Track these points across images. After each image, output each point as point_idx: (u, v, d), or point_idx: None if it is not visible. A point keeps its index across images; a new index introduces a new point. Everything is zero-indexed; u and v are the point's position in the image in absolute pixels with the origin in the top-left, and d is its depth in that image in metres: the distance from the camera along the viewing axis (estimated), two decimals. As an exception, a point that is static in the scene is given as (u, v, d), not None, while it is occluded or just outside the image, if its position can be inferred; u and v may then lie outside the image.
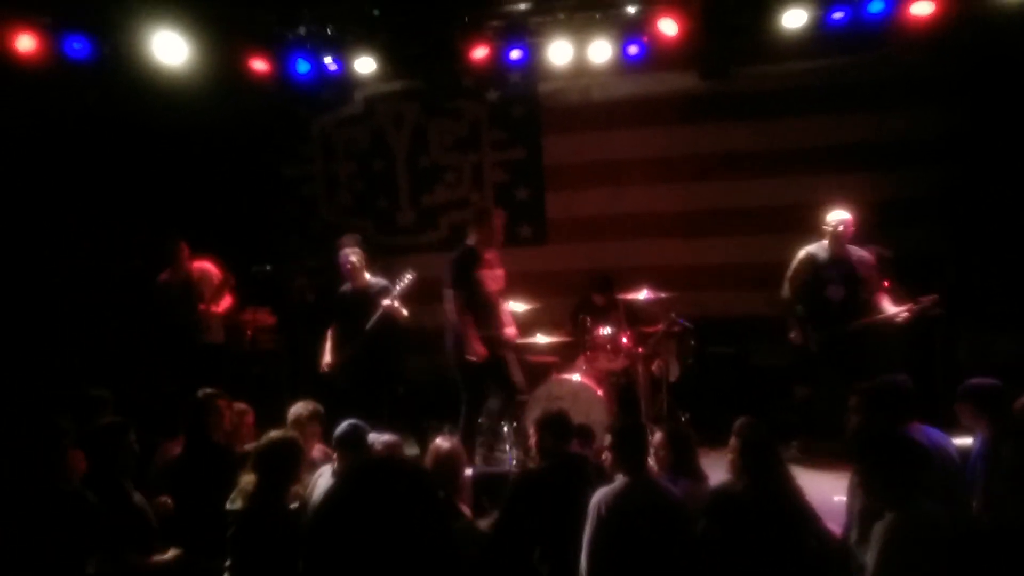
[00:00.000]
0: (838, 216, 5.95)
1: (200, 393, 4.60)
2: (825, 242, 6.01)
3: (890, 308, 5.77)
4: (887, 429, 3.87)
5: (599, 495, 3.67)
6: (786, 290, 6.19)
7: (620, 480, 3.76)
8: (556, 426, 4.28)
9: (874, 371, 5.31)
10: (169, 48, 6.08)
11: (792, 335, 6.19)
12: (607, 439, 3.99)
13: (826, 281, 5.94)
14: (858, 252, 5.98)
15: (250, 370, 6.95)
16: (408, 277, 6.16)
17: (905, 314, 5.70)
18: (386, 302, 5.99)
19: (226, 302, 6.56)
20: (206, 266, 6.57)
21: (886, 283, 6.04)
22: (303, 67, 6.77)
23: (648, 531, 3.53)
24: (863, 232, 6.15)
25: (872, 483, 3.31)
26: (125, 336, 7.00)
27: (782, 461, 3.78)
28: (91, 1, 6.11)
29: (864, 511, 3.52)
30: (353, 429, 4.17)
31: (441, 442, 4.19)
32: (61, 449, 3.74)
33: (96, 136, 7.11)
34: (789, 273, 6.16)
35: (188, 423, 4.55)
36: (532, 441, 4.39)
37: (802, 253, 6.08)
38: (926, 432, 4.09)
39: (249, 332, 7.05)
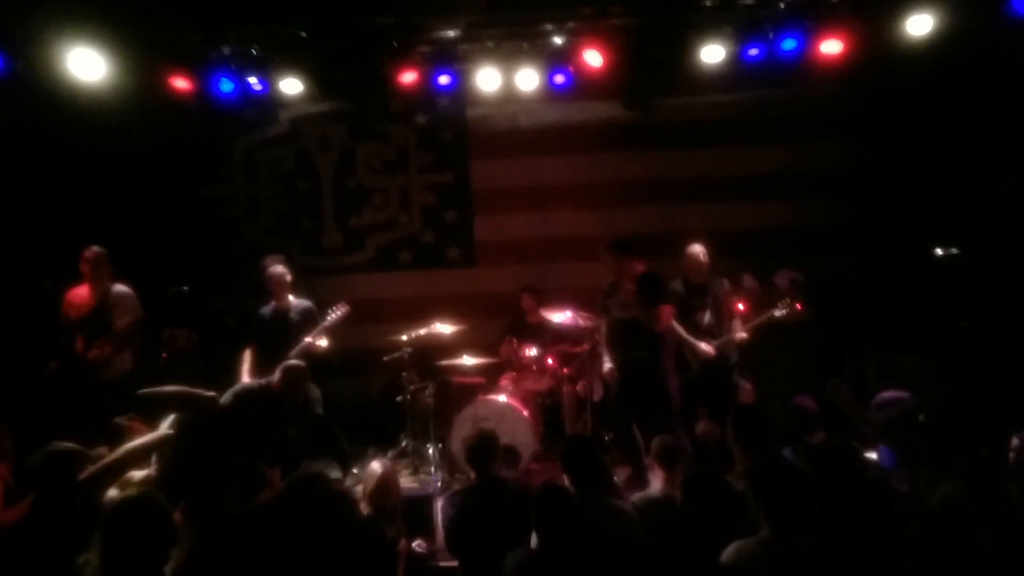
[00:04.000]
0: (694, 249, 6.16)
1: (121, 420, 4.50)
2: (681, 277, 6.22)
3: (737, 330, 6.14)
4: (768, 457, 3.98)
5: None
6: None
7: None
8: (480, 449, 4.31)
9: (785, 390, 5.53)
10: (86, 64, 5.91)
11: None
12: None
13: (694, 308, 6.15)
14: (716, 280, 6.23)
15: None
16: (340, 311, 6.13)
17: (743, 335, 6.10)
18: (308, 339, 5.95)
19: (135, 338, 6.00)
20: (128, 295, 6.04)
21: (739, 307, 6.41)
22: (226, 86, 6.63)
23: (595, 548, 3.51)
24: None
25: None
26: (24, 363, 6.64)
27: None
28: (4, 14, 5.90)
29: None
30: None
31: (376, 465, 4.21)
32: None
33: (8, 153, 6.84)
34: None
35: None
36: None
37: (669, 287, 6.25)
38: None
39: (165, 354, 6.83)
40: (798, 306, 6.44)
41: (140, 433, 4.45)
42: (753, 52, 6.38)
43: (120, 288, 6.05)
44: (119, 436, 4.51)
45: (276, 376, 5.30)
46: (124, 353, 5.99)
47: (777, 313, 6.16)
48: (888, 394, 4.39)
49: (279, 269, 6.28)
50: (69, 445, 3.89)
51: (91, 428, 4.68)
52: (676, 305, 6.02)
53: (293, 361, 5.49)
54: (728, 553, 3.11)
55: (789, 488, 3.16)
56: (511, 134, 8.11)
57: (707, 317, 6.15)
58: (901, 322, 6.77)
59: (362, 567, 3.48)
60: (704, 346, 6.05)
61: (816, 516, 3.31)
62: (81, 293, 6.00)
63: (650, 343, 5.74)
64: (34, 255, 6.75)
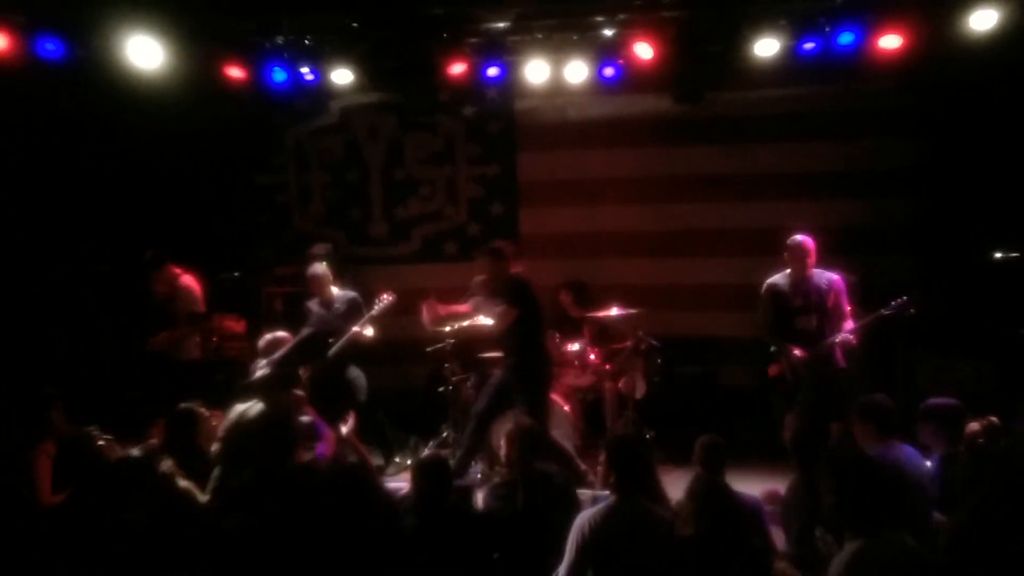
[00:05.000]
0: (797, 241, 5.63)
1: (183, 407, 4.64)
2: (788, 270, 5.70)
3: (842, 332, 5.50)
4: (860, 452, 3.90)
5: (585, 515, 3.62)
6: (759, 328, 5.91)
7: (609, 500, 3.70)
8: (526, 440, 4.29)
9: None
10: (144, 52, 6.04)
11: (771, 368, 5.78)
12: (602, 454, 3.97)
13: (793, 314, 5.59)
14: (825, 276, 5.64)
15: (213, 377, 6.87)
16: (386, 299, 6.17)
17: (848, 336, 5.48)
18: (355, 328, 6.02)
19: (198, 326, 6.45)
20: (192, 286, 6.43)
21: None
22: (279, 76, 6.75)
23: (631, 554, 3.46)
24: (828, 257, 6.20)
25: (844, 509, 3.15)
26: (90, 340, 6.88)
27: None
28: (66, 1, 6.06)
29: (803, 530, 3.56)
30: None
31: (430, 455, 4.28)
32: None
33: (67, 138, 7.04)
34: (760, 310, 5.85)
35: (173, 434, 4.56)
36: (503, 453, 4.41)
37: (764, 287, 5.80)
38: (904, 450, 4.17)
39: (215, 339, 6.97)
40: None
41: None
42: (809, 46, 6.26)
43: (185, 281, 6.40)
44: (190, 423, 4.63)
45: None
46: (189, 340, 6.41)
47: (886, 312, 5.44)
48: (936, 401, 4.27)
49: (315, 271, 6.35)
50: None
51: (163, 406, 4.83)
52: (774, 308, 5.62)
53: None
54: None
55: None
56: (559, 127, 8.06)
57: (811, 321, 5.55)
58: (957, 327, 6.56)
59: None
60: (796, 351, 5.49)
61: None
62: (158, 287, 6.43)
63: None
64: (91, 239, 6.93)
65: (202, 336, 6.58)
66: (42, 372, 6.22)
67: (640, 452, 3.89)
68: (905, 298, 5.44)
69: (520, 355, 5.73)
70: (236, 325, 7.18)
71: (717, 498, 3.47)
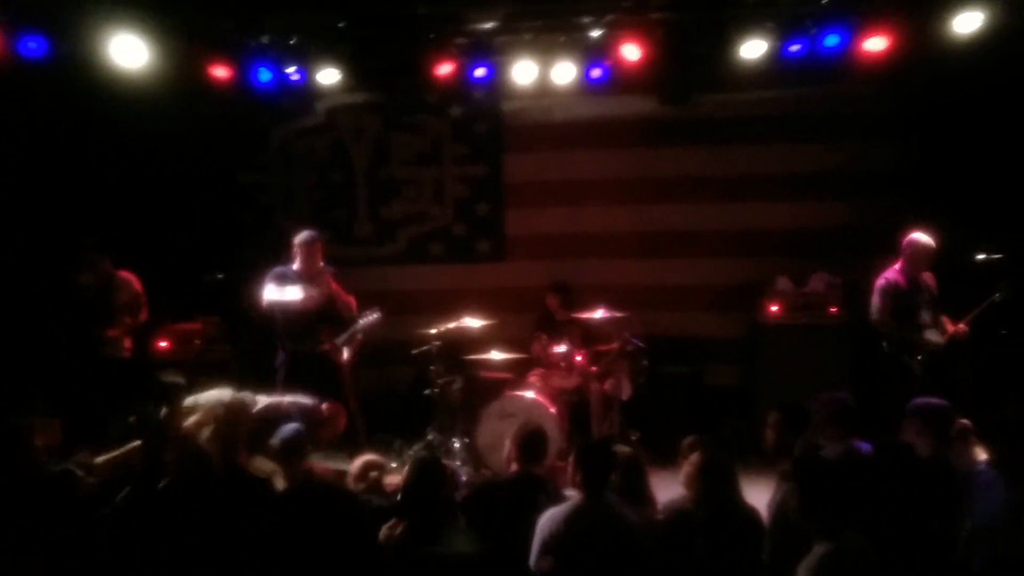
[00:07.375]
0: (926, 242, 5.89)
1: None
2: (897, 266, 5.95)
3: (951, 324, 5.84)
4: (812, 450, 3.96)
5: (549, 513, 3.65)
6: (880, 322, 5.94)
7: (573, 499, 3.73)
8: (530, 444, 4.27)
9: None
10: (128, 51, 5.98)
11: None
12: (571, 454, 3.97)
13: (916, 308, 5.85)
14: (927, 273, 5.99)
15: (196, 379, 6.81)
16: (372, 317, 6.16)
17: (963, 327, 5.82)
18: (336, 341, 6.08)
19: (140, 317, 6.52)
20: (129, 277, 6.52)
21: None
22: (265, 75, 6.70)
23: (593, 553, 3.49)
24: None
25: (809, 509, 3.23)
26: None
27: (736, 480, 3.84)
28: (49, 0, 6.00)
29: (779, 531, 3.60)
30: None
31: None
32: None
33: (49, 138, 6.96)
34: (877, 304, 5.93)
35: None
36: (506, 454, 4.39)
37: (883, 282, 5.93)
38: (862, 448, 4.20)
39: (198, 341, 6.92)
40: (833, 309, 6.31)
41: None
42: (794, 48, 6.29)
43: (123, 273, 6.53)
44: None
45: None
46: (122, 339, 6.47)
47: (997, 297, 5.75)
48: (925, 399, 4.28)
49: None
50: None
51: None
52: (896, 304, 5.79)
53: None
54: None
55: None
56: (545, 128, 8.04)
57: (928, 316, 5.86)
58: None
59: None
60: (931, 336, 5.74)
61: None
62: (86, 278, 6.48)
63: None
64: (72, 240, 6.85)
65: (133, 335, 6.58)
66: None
67: (609, 453, 3.90)
68: (1005, 282, 5.75)
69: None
70: (218, 328, 7.13)
71: (720, 477, 3.58)
